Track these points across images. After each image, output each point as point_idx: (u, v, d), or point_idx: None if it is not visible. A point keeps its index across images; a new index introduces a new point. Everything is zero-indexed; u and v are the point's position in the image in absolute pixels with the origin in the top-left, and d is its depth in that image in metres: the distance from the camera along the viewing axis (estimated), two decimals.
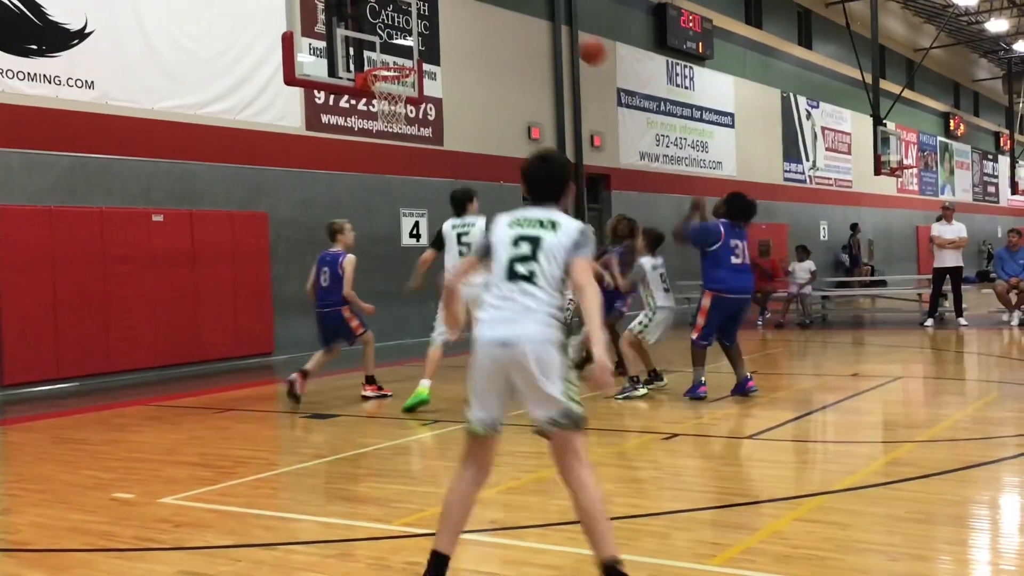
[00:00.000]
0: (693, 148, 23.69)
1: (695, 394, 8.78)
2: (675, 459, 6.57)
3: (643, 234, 9.89)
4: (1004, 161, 46.89)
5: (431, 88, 16.31)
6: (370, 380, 9.60)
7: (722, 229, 8.85)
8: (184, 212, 12.73)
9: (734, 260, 8.72)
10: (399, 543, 4.69)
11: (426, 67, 16.26)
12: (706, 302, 8.84)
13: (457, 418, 8.14)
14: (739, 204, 9.05)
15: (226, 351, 13.15)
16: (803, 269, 17.58)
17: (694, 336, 8.86)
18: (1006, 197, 46.06)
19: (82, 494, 5.94)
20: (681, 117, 23.31)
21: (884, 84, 28.53)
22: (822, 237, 28.90)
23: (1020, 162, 48.02)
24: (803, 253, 18.05)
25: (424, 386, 8.61)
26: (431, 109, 16.45)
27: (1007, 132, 46.36)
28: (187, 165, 12.89)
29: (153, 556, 4.65)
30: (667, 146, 22.71)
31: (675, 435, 7.18)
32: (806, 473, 6.24)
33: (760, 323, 16.74)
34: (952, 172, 40.80)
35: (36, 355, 11.11)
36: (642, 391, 9.12)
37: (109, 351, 11.80)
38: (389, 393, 9.48)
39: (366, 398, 9.45)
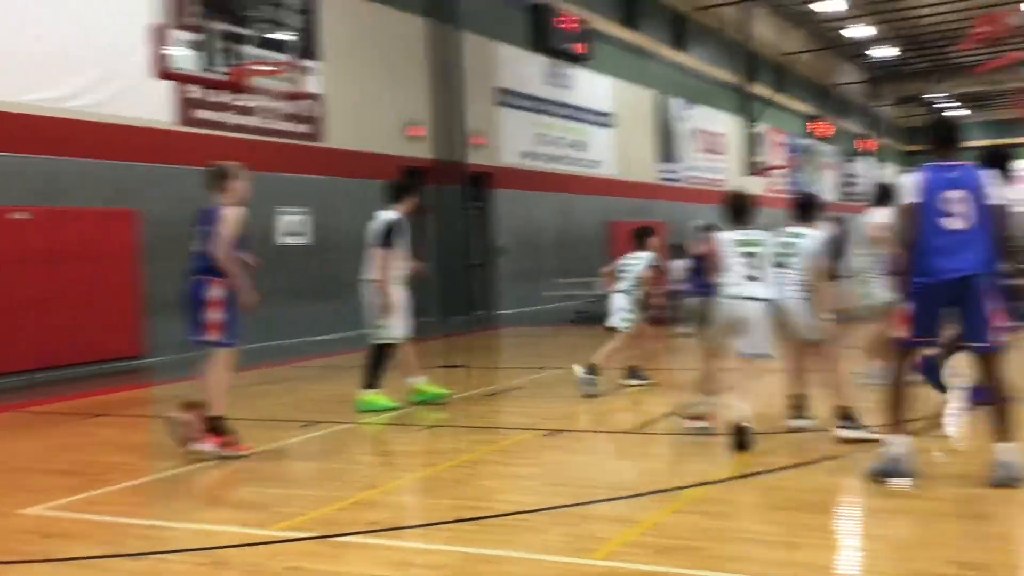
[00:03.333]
0: (572, 148, 23.99)
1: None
2: (557, 455, 6.63)
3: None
4: (865, 162, 49.09)
5: (310, 84, 16.04)
6: (213, 426, 6.56)
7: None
8: (47, 210, 12.15)
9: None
10: (277, 548, 4.59)
11: (306, 63, 15.99)
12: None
13: (335, 419, 8.03)
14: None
15: (96, 354, 12.61)
16: (677, 268, 17.99)
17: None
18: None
19: None
20: (560, 117, 23.57)
21: (755, 87, 29.50)
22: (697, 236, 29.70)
23: (883, 162, 50.39)
24: (677, 251, 18.46)
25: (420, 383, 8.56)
26: (310, 105, 16.17)
27: (869, 134, 48.58)
28: (52, 161, 12.30)
29: (19, 570, 4.42)
30: (547, 145, 22.93)
31: (556, 431, 7.25)
32: (684, 465, 6.38)
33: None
34: (818, 172, 42.48)
35: None
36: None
37: None
38: (244, 452, 6.64)
39: (199, 453, 6.56)
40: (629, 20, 26.96)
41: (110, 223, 12.91)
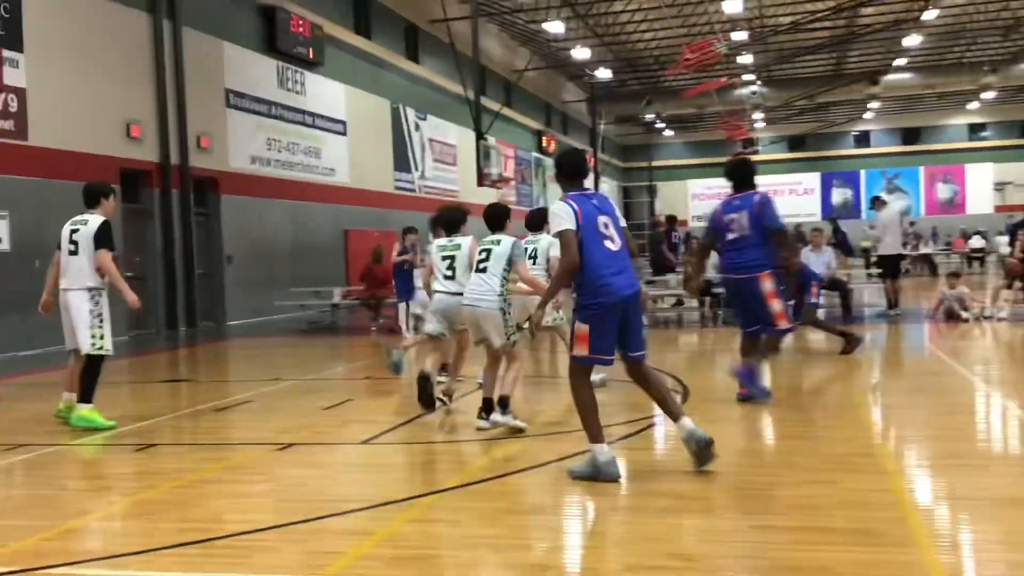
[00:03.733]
0: (306, 154, 23.55)
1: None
2: (290, 469, 6.44)
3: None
4: (589, 176, 51.70)
5: (12, 76, 14.72)
6: None
7: (721, 208, 8.19)
8: None
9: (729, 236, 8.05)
10: None
11: (7, 53, 14.66)
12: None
13: (42, 441, 7.39)
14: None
15: None
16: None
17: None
18: None
19: None
20: (293, 122, 23.06)
21: (485, 101, 30.27)
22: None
23: (603, 178, 53.28)
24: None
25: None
26: (12, 99, 14.82)
27: (591, 150, 51.28)
28: None
29: None
30: (279, 151, 22.36)
31: (290, 445, 7.05)
32: (419, 474, 6.40)
33: (374, 329, 17.00)
34: (545, 185, 44.32)
35: None
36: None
37: None
38: None
39: None
40: (362, 28, 26.89)
41: None
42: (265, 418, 8.55)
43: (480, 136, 28.29)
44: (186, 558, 4.46)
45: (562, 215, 5.64)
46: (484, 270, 7.27)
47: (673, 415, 5.72)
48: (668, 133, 59.28)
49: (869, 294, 18.68)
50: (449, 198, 32.68)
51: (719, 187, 58.37)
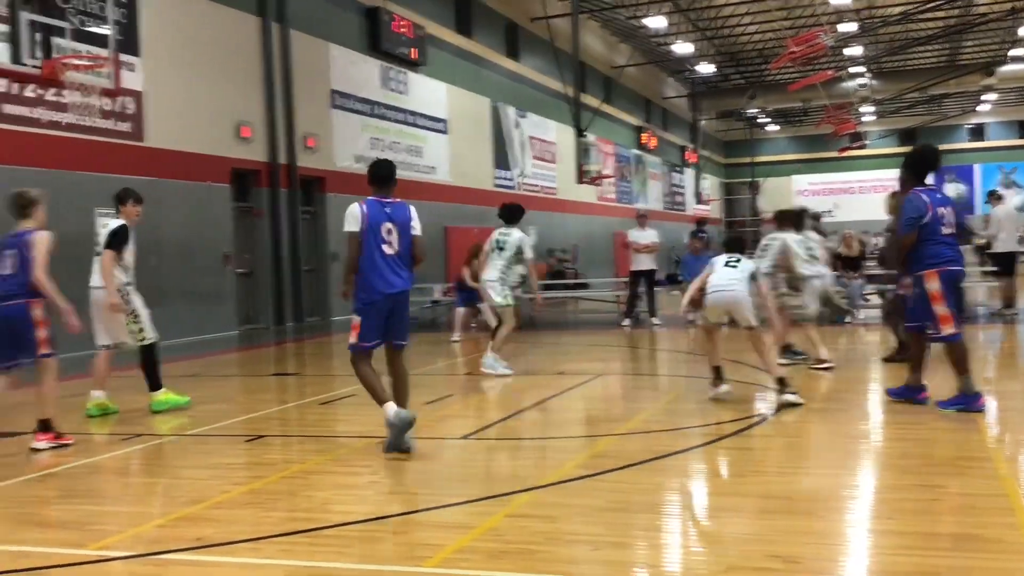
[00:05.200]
0: (408, 153, 23.91)
1: (973, 406, 7.30)
2: (392, 463, 6.56)
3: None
4: (689, 173, 51.20)
5: (130, 80, 15.34)
6: (45, 426, 7.13)
7: (926, 198, 7.40)
8: None
9: (945, 231, 7.40)
10: (97, 568, 4.35)
11: (125, 58, 15.27)
12: (934, 284, 7.34)
13: (156, 431, 7.70)
14: (924, 156, 7.72)
15: None
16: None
17: (949, 331, 7.34)
18: (692, 206, 50.32)
19: None
20: (395, 121, 23.44)
21: (585, 98, 30.24)
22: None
23: (704, 175, 52.64)
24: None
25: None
26: (130, 102, 15.46)
27: (691, 147, 50.67)
28: None
29: None
30: (382, 150, 22.75)
31: None
32: (517, 470, 6.45)
33: (474, 325, 17.14)
34: (645, 182, 43.98)
35: None
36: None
37: None
38: (70, 442, 7.25)
39: (36, 450, 7.03)
40: (463, 27, 27.14)
41: None
42: (368, 412, 8.70)
43: (580, 133, 28.27)
44: (293, 546, 4.60)
45: (349, 217, 6.51)
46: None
47: (396, 400, 6.56)
48: (772, 128, 58.15)
49: (983, 293, 18.01)
50: (548, 196, 32.76)
51: (824, 183, 57.34)
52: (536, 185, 31.85)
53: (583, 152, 28.44)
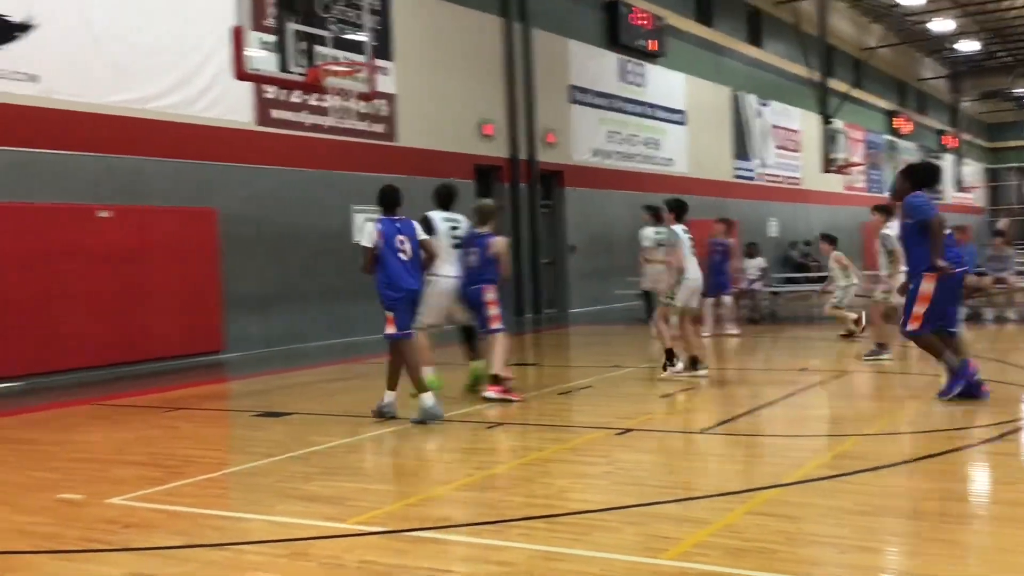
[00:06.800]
0: (645, 145, 23.84)
1: (966, 375, 7.69)
2: (627, 454, 6.61)
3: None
4: (948, 159, 47.84)
5: (384, 83, 16.21)
6: (495, 380, 8.74)
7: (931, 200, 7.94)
8: (131, 208, 12.52)
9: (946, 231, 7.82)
10: (353, 541, 4.66)
11: (378, 62, 16.15)
12: (929, 286, 7.71)
13: (409, 415, 8.12)
14: (927, 171, 8.29)
15: (174, 349, 12.96)
16: (753, 266, 17.80)
17: (914, 327, 7.81)
18: (951, 194, 47.02)
19: (27, 495, 5.82)
20: (633, 114, 23.43)
21: (832, 83, 28.96)
22: (771, 234, 29.26)
23: (965, 160, 49.04)
24: (752, 250, 18.27)
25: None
26: (384, 105, 16.36)
27: (951, 131, 47.30)
28: (134, 160, 12.67)
29: (100, 558, 4.57)
30: (620, 143, 22.83)
31: (628, 430, 7.22)
32: (757, 467, 6.31)
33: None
34: (897, 170, 41.52)
35: None
36: None
37: (55, 349, 11.57)
38: (516, 399, 8.64)
39: (488, 399, 8.62)
40: (703, 16, 26.69)
41: (192, 221, 13.25)
42: (605, 403, 8.82)
43: (826, 120, 27.11)
44: (532, 531, 4.73)
45: (366, 234, 7.86)
46: None
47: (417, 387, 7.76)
48: None
49: None
50: (791, 186, 31.64)
51: None
52: (778, 175, 30.84)
53: (829, 140, 27.28)
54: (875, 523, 4.72)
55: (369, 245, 7.81)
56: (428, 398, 7.70)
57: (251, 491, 5.98)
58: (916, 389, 9.44)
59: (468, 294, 8.94)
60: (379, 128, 16.36)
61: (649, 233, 14.70)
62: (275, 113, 14.61)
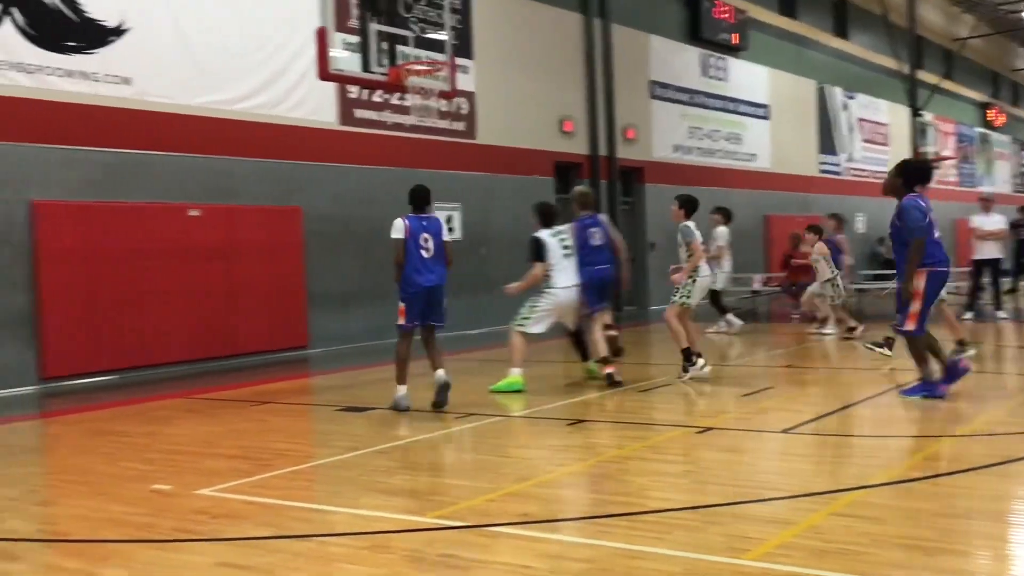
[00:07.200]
0: (727, 140, 23.53)
1: (936, 392, 7.94)
2: (709, 453, 6.55)
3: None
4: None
5: (464, 82, 16.32)
6: (605, 361, 9.38)
7: (923, 203, 8.22)
8: (220, 207, 12.85)
9: (936, 233, 8.19)
10: (433, 535, 4.72)
11: (459, 61, 16.26)
12: (921, 283, 7.86)
13: (490, 411, 8.18)
14: (920, 169, 8.65)
15: (261, 345, 13.27)
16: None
17: (911, 327, 7.89)
18: None
19: (121, 486, 6.03)
20: (715, 109, 23.15)
21: (921, 74, 28.18)
22: (859, 229, 28.61)
23: None
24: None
25: (516, 374, 9.21)
26: (464, 103, 16.47)
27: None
28: (223, 160, 13.00)
29: (191, 547, 4.71)
30: (701, 139, 22.57)
31: (709, 429, 7.16)
32: (841, 467, 6.19)
33: (795, 316, 16.60)
34: (991, 163, 40.20)
35: (75, 348, 11.28)
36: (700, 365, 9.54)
37: (147, 344, 11.95)
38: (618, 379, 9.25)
39: (613, 383, 9.22)
40: (787, 8, 26.22)
41: (279, 220, 13.54)
42: (684, 401, 8.75)
43: (915, 112, 26.39)
44: (612, 528, 4.73)
45: (395, 229, 8.20)
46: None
47: (433, 365, 8.31)
48: None
49: None
50: (878, 181, 30.88)
51: None
52: (864, 169, 30.13)
53: (919, 133, 26.55)
54: (962, 526, 4.60)
55: (400, 237, 8.20)
56: (401, 389, 8.26)
57: (336, 484, 6.09)
58: (1010, 390, 9.15)
59: (603, 275, 9.45)
60: (459, 126, 16.48)
61: (723, 232, 14.64)
62: (358, 113, 14.83)
